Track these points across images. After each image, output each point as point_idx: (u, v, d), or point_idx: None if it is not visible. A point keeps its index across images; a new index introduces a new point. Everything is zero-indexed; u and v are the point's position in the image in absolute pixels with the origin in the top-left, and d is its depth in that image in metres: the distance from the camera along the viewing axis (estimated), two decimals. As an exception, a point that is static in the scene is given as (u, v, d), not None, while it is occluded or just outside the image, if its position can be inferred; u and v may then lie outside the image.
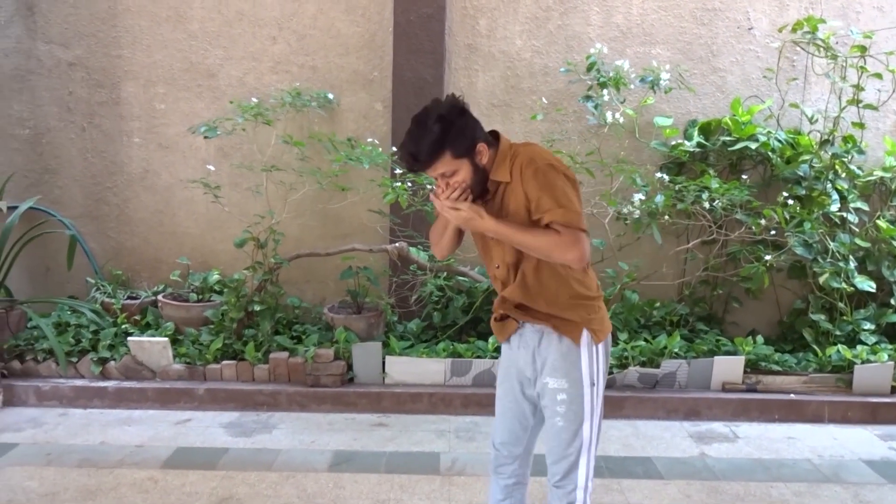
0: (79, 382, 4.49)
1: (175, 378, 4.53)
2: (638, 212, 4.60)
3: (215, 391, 4.43)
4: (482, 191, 2.27)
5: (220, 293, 4.96)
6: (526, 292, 2.31)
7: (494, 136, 2.30)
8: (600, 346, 2.35)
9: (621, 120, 4.73)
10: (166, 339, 4.57)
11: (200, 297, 4.99)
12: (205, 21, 5.11)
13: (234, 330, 4.71)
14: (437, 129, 2.12)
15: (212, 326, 4.77)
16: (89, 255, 5.22)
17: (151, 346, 4.53)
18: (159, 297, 4.98)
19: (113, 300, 4.92)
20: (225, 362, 4.57)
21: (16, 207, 4.85)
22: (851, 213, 4.90)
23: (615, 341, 4.71)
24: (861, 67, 4.68)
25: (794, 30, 4.76)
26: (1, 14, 5.10)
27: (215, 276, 5.06)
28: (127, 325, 4.80)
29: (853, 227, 4.92)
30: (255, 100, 4.80)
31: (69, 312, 4.86)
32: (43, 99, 5.20)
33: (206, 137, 4.67)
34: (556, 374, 2.31)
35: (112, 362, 4.56)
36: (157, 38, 5.14)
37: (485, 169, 2.24)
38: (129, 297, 5.05)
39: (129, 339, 4.58)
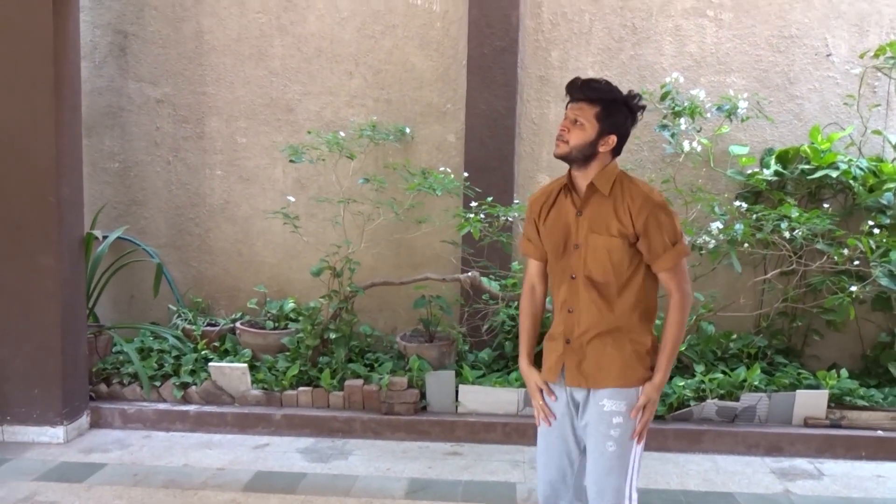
0: (161, 406, 4.63)
1: (253, 403, 4.64)
2: (713, 241, 4.54)
3: (292, 417, 4.52)
4: (577, 160, 2.33)
5: (295, 321, 5.08)
6: (599, 310, 2.33)
7: (614, 155, 2.38)
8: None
9: (699, 148, 4.69)
10: (245, 365, 4.69)
11: (276, 324, 5.12)
12: (285, 58, 5.32)
13: (309, 357, 4.81)
14: (614, 93, 2.31)
15: (288, 353, 4.88)
16: (171, 283, 5.43)
17: (231, 372, 4.66)
18: (237, 324, 5.13)
19: (193, 327, 5.09)
20: (301, 389, 4.66)
21: (106, 237, 5.09)
22: (940, 242, 4.72)
23: (692, 373, 4.62)
24: (948, 93, 4.55)
25: (876, 55, 4.67)
26: (96, 55, 5.41)
27: (291, 305, 5.19)
28: (207, 350, 4.95)
29: (943, 258, 4.73)
30: (341, 133, 4.94)
31: (152, 338, 5.05)
32: (132, 134, 5.47)
33: (291, 161, 4.84)
34: (615, 395, 2.31)
35: (193, 387, 4.70)
36: (239, 75, 5.36)
37: (594, 154, 2.31)
38: (209, 324, 5.21)
39: (209, 364, 4.72)
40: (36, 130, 4.17)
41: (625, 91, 2.35)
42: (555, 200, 2.42)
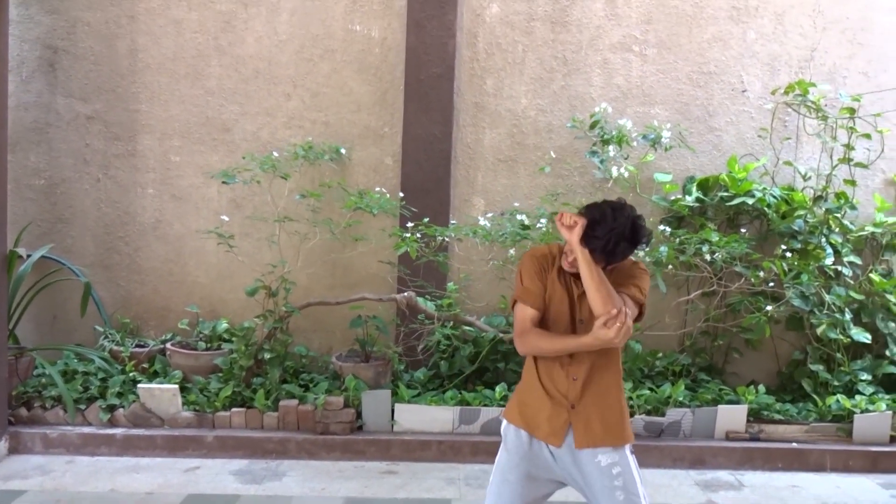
0: (86, 430, 4.48)
1: (184, 425, 4.54)
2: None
3: (224, 439, 4.44)
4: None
5: (228, 341, 5.01)
6: (598, 381, 2.42)
7: None
8: None
9: (626, 174, 4.91)
10: (175, 386, 4.59)
11: (209, 345, 5.04)
12: (222, 78, 5.31)
13: (242, 378, 4.75)
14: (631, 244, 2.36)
15: (220, 374, 4.81)
16: (98, 304, 5.27)
17: (161, 394, 4.55)
18: (167, 345, 5.02)
19: (121, 348, 4.95)
20: (234, 410, 4.59)
21: (30, 255, 4.92)
22: (846, 266, 5.07)
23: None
24: (851, 128, 4.92)
25: (786, 92, 5.02)
26: (23, 70, 5.28)
27: (224, 325, 5.12)
28: (135, 372, 4.82)
29: (848, 280, 5.08)
30: (275, 153, 4.95)
31: (76, 360, 4.88)
32: (60, 151, 5.33)
33: (224, 182, 4.81)
34: (609, 450, 2.39)
35: (120, 410, 4.56)
36: (174, 93, 5.32)
37: None
38: (138, 346, 5.08)
39: (138, 386, 4.60)
40: (-41, 143, 4.03)
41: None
42: (552, 267, 2.50)
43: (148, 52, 5.29)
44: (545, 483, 2.50)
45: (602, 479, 2.38)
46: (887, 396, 4.83)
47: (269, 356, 4.73)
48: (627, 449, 2.43)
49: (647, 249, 4.76)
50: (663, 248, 4.70)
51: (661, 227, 4.87)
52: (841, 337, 4.87)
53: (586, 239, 2.30)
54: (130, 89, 5.31)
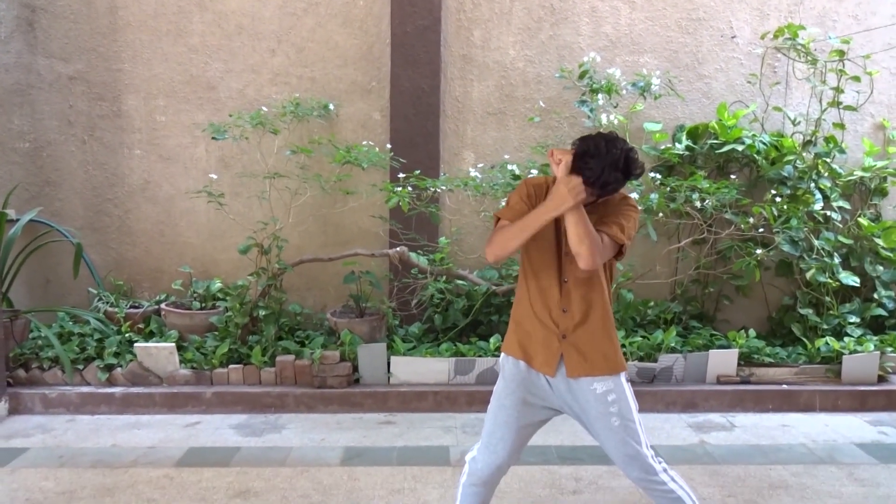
0: (85, 389, 4.51)
1: (182, 383, 4.58)
2: (631, 213, 4.76)
3: (223, 394, 4.48)
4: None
5: (223, 300, 5.02)
6: (586, 311, 2.45)
7: None
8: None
9: (616, 123, 4.90)
10: (172, 344, 4.62)
11: (203, 304, 5.05)
12: (205, 35, 5.23)
13: (238, 335, 4.77)
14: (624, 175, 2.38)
15: (216, 333, 4.83)
16: (90, 266, 5.26)
17: (158, 352, 4.58)
18: (162, 305, 5.03)
19: (116, 309, 4.96)
20: (231, 366, 4.62)
21: (17, 220, 4.89)
22: (835, 211, 5.10)
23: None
24: (840, 71, 4.91)
25: (775, 36, 4.99)
26: (1, 30, 5.18)
27: (218, 284, 5.13)
28: (131, 333, 4.83)
29: (837, 225, 5.12)
30: (264, 108, 4.91)
31: (72, 322, 4.89)
32: (43, 113, 5.26)
33: (213, 138, 4.77)
34: (604, 379, 2.43)
35: (118, 369, 4.59)
36: (157, 51, 5.24)
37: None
38: (132, 307, 5.09)
39: (135, 345, 4.62)
40: (-59, 104, 3.97)
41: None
42: (543, 196, 2.49)
43: (128, 10, 5.19)
44: (540, 409, 2.55)
45: (597, 405, 2.43)
46: (875, 338, 4.91)
47: (264, 313, 4.75)
48: (622, 376, 2.47)
49: (639, 186, 4.78)
50: (654, 196, 4.71)
51: (652, 175, 4.87)
52: (830, 281, 4.92)
53: (579, 170, 2.30)
54: (112, 48, 5.23)
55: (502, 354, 2.60)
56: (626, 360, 4.66)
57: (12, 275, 4.92)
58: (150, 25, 5.22)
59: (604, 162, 2.29)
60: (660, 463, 2.50)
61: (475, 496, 2.62)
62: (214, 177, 5.01)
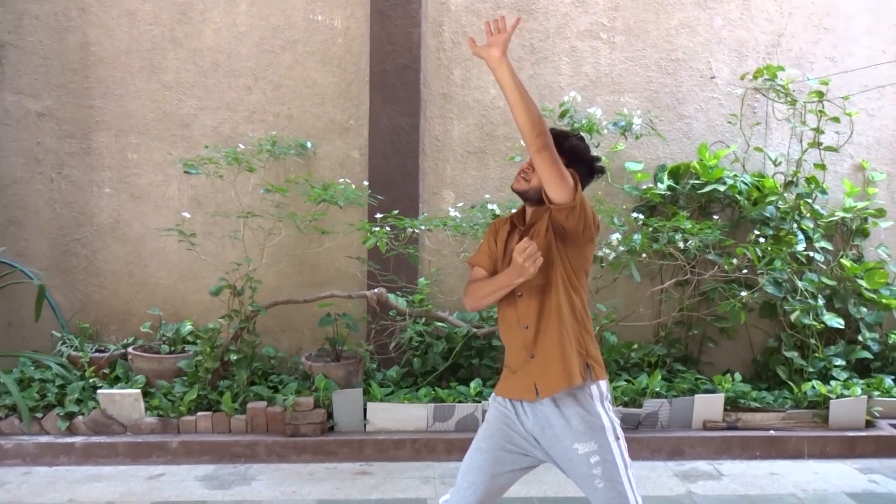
0: (44, 439, 4.28)
1: (147, 432, 4.36)
2: (614, 253, 4.68)
3: (190, 444, 4.27)
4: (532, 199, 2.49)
5: (193, 344, 4.83)
6: (547, 330, 2.38)
7: None
8: (604, 385, 2.44)
9: (597, 162, 4.83)
10: (138, 390, 4.41)
11: (173, 348, 4.85)
12: (179, 72, 5.13)
13: (208, 381, 4.58)
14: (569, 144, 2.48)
15: (185, 378, 4.63)
16: (55, 308, 5.06)
17: (122, 399, 4.37)
18: (129, 349, 4.83)
19: (80, 353, 4.75)
20: (200, 414, 4.42)
21: (-21, 259, 4.70)
22: (818, 252, 5.05)
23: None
24: (820, 111, 4.90)
25: (754, 77, 4.99)
26: (-31, 65, 5.04)
27: (188, 327, 4.94)
28: (95, 378, 4.62)
29: (820, 266, 5.07)
30: (241, 146, 4.80)
31: (33, 367, 4.67)
32: (9, 150, 5.10)
33: (186, 172, 4.65)
34: (582, 437, 2.33)
35: (80, 417, 4.37)
36: (129, 88, 5.12)
37: (534, 192, 2.47)
38: (98, 351, 4.88)
39: (98, 392, 4.41)
40: None
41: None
42: (504, 228, 2.58)
43: (101, 46, 5.09)
44: (519, 457, 2.44)
45: (581, 466, 2.32)
46: (861, 381, 4.82)
47: (235, 357, 4.57)
48: (612, 440, 2.34)
49: (622, 227, 4.72)
50: (637, 237, 4.63)
51: (634, 215, 4.80)
52: (814, 323, 4.85)
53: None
54: (83, 84, 5.10)
55: (491, 396, 2.55)
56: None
57: (-29, 318, 4.71)
58: (123, 62, 5.11)
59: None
60: None
61: None
62: (187, 215, 4.87)
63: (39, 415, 4.37)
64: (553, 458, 2.40)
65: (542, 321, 2.39)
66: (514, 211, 2.63)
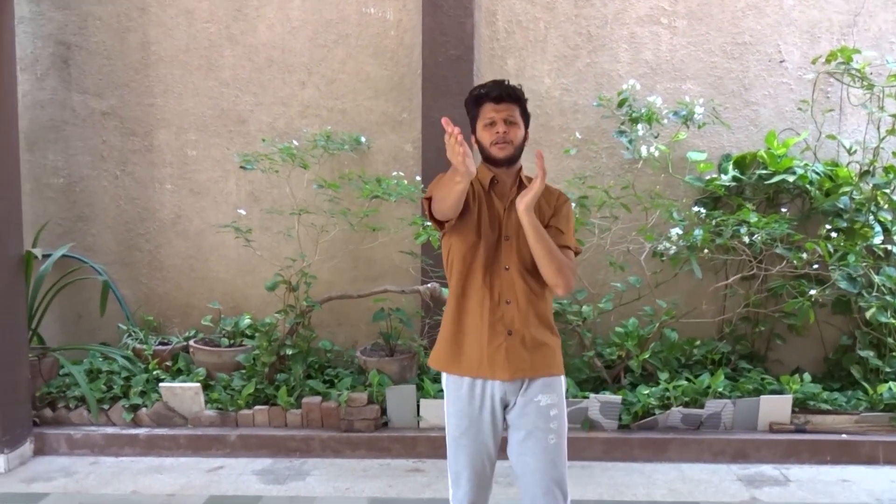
0: (110, 430, 4.43)
1: (207, 424, 4.46)
2: (674, 247, 4.51)
3: (247, 437, 4.35)
4: (514, 160, 2.41)
5: (251, 338, 4.91)
6: (530, 301, 2.35)
7: None
8: None
9: (656, 154, 4.66)
10: (198, 384, 4.51)
11: (232, 341, 4.94)
12: (236, 68, 5.18)
13: (265, 375, 4.65)
14: (520, 88, 2.44)
15: (243, 371, 4.72)
16: (121, 302, 5.22)
17: (183, 393, 4.47)
18: (191, 342, 4.95)
19: (144, 346, 4.89)
20: (257, 408, 4.49)
21: (50, 255, 4.87)
22: (896, 245, 4.75)
23: (656, 381, 4.57)
24: (900, 96, 4.59)
25: (827, 61, 4.70)
26: (38, 67, 5.21)
27: (247, 321, 5.02)
28: (158, 371, 4.75)
29: (899, 260, 4.77)
30: (295, 142, 4.82)
31: (101, 359, 4.83)
32: (77, 148, 5.27)
33: (242, 168, 4.72)
34: (549, 390, 2.34)
35: (143, 409, 4.50)
36: (188, 86, 5.21)
37: (518, 151, 2.40)
38: (161, 343, 5.01)
39: (160, 385, 4.53)
40: (-30, 144, 3.97)
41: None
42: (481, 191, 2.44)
43: (160, 45, 5.18)
44: (496, 433, 2.39)
45: (537, 419, 2.30)
46: (943, 382, 4.53)
47: (291, 352, 4.62)
48: (563, 387, 2.40)
49: (682, 222, 4.54)
50: (698, 232, 4.45)
51: (696, 209, 4.62)
52: (892, 320, 4.57)
53: (485, 97, 2.38)
54: (144, 83, 5.22)
55: (443, 376, 2.43)
56: (670, 406, 4.38)
57: (42, 311, 4.90)
58: (182, 60, 5.20)
59: (497, 81, 2.40)
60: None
61: None
62: (243, 212, 4.93)
63: (106, 406, 4.52)
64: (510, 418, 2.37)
65: (527, 299, 2.34)
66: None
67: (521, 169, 2.44)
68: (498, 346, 2.31)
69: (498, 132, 2.33)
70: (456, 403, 2.38)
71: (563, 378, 2.43)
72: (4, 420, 4.10)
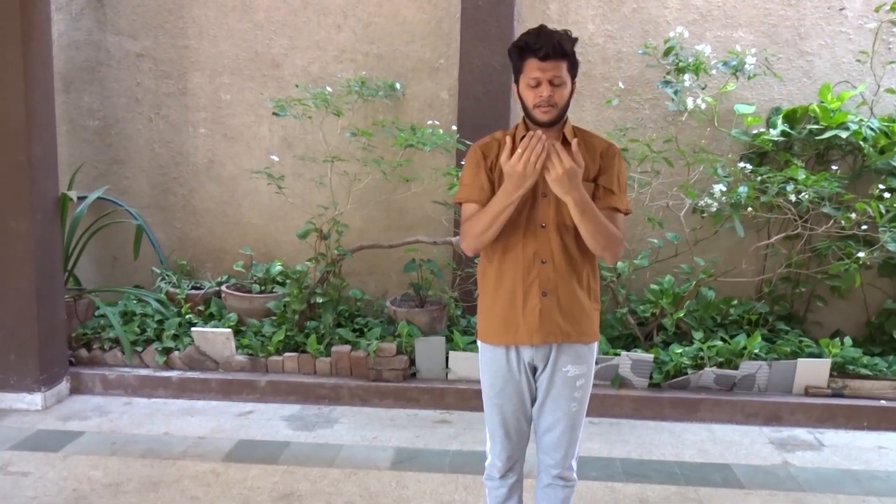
0: (143, 372, 4.50)
1: (238, 369, 4.51)
2: (716, 204, 4.35)
3: (277, 383, 4.39)
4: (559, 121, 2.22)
5: (282, 284, 4.92)
6: (569, 261, 2.23)
7: None
8: None
9: (703, 106, 4.47)
10: (229, 330, 4.54)
11: (263, 288, 4.96)
12: (270, 10, 5.07)
13: (296, 322, 4.66)
14: (572, 37, 2.18)
15: (274, 318, 4.74)
16: (155, 245, 5.26)
17: (215, 338, 4.52)
18: (223, 287, 4.97)
19: (177, 290, 4.94)
20: (287, 354, 4.52)
21: (85, 197, 4.90)
22: (952, 206, 4.52)
23: (690, 340, 4.48)
24: (968, 48, 4.31)
25: (892, 8, 4.41)
26: (73, 7, 5.16)
27: (278, 268, 5.03)
28: (191, 315, 4.80)
29: (954, 222, 4.54)
30: (328, 88, 4.72)
31: (135, 302, 4.89)
32: (112, 90, 5.24)
33: (275, 114, 4.65)
34: (579, 360, 2.29)
35: (176, 352, 4.56)
36: (223, 28, 5.12)
37: (563, 111, 2.21)
38: (194, 288, 5.05)
39: (192, 329, 4.58)
40: (3, 86, 3.95)
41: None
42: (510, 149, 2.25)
43: (194, -15, 5.08)
44: (532, 385, 2.34)
45: (563, 388, 2.28)
46: None
47: (321, 300, 4.62)
48: (594, 357, 2.35)
49: (726, 178, 4.37)
50: (742, 189, 4.28)
51: (742, 165, 4.43)
52: (942, 285, 4.39)
53: (531, 51, 2.12)
54: (178, 25, 5.14)
55: (480, 344, 2.37)
56: (703, 366, 4.30)
57: (78, 253, 4.96)
58: (216, 1, 5.10)
59: (547, 31, 2.13)
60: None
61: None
62: (276, 158, 4.87)
63: (140, 348, 4.59)
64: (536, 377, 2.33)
65: (568, 261, 2.22)
66: (501, 133, 2.28)
67: (566, 122, 2.26)
68: (532, 307, 2.22)
69: (542, 95, 2.13)
70: (490, 364, 2.33)
71: (595, 344, 2.35)
72: (42, 359, 4.19)
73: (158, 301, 4.84)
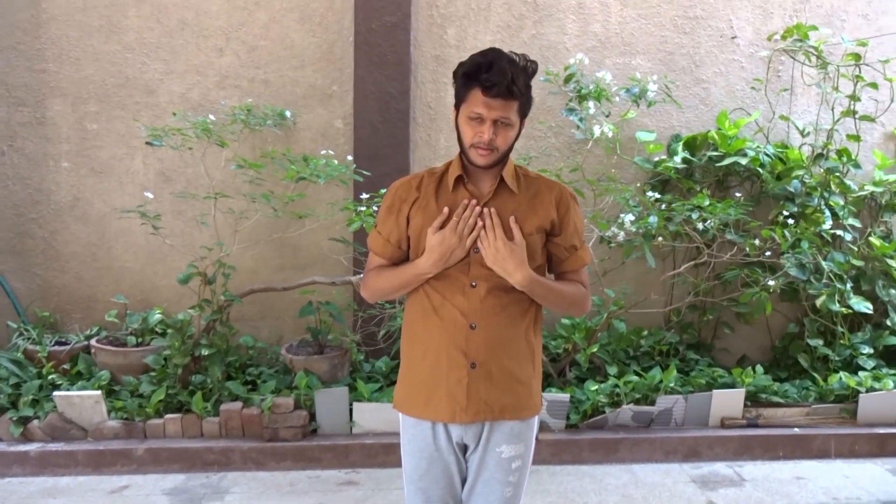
0: (-5, 446, 3.87)
1: (110, 437, 3.95)
2: (622, 234, 4.23)
3: (157, 451, 3.86)
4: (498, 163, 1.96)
5: (162, 335, 4.39)
6: (503, 325, 1.93)
7: None
8: None
9: (609, 134, 4.36)
10: (99, 392, 3.98)
11: (140, 340, 4.42)
12: (142, 31, 4.59)
13: (178, 378, 4.15)
14: (530, 72, 1.89)
15: (153, 374, 4.20)
16: (11, 296, 4.61)
17: (82, 401, 3.94)
18: (92, 341, 4.39)
19: (38, 347, 4.32)
20: (168, 416, 4.00)
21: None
22: (847, 230, 4.61)
23: (604, 375, 4.32)
24: (857, 76, 4.41)
25: (783, 37, 4.50)
26: None
27: (157, 316, 4.50)
28: (54, 375, 4.19)
29: (850, 246, 4.64)
30: (211, 117, 4.29)
31: (-14, 363, 4.24)
32: (-45, 120, 4.59)
33: (148, 143, 4.17)
34: (515, 439, 1.98)
35: (35, 421, 3.95)
36: (87, 50, 4.59)
37: (504, 156, 1.95)
38: (58, 343, 4.44)
39: (55, 393, 3.98)
40: None
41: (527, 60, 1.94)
42: (434, 193, 1.98)
43: (53, 2, 4.54)
44: (462, 466, 2.04)
45: (496, 471, 1.97)
46: (892, 372, 4.44)
47: (207, 352, 4.13)
48: (534, 433, 2.06)
49: (636, 207, 4.26)
50: (653, 218, 4.17)
51: (650, 194, 4.34)
52: (841, 309, 4.44)
53: (485, 87, 1.81)
54: (34, 45, 4.57)
55: (400, 416, 2.06)
56: (620, 403, 4.14)
57: (-87, 309, 4.26)
58: (79, 20, 4.57)
59: (503, 63, 1.81)
60: None
61: None
62: (150, 195, 4.37)
63: (-9, 418, 3.95)
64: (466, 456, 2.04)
65: (503, 325, 1.92)
66: (429, 170, 2.04)
67: (507, 163, 1.99)
68: (458, 380, 1.91)
69: (482, 136, 1.86)
70: (413, 442, 2.01)
71: (536, 419, 2.06)
72: None
73: (14, 361, 4.20)
